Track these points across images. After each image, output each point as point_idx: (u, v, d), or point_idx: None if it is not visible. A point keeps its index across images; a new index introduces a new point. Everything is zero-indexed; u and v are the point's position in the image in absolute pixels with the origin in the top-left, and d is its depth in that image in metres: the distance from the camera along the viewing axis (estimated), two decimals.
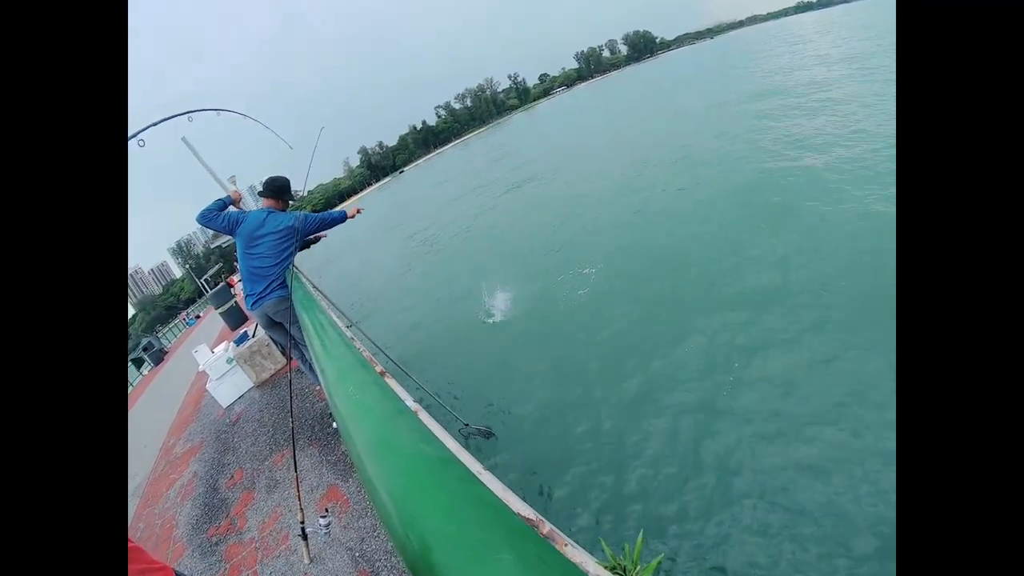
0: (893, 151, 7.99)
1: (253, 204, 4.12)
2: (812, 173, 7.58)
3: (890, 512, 2.57)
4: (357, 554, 2.37)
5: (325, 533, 2.37)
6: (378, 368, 3.98)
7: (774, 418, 3.40)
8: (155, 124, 4.34)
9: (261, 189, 3.51)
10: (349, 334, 4.96)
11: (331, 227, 3.55)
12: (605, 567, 1.89)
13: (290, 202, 3.57)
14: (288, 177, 3.54)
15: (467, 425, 4.39)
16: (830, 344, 3.90)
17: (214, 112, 5.13)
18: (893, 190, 7.59)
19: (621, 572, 1.89)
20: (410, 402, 3.20)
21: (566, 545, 1.93)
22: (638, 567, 1.92)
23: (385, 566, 2.23)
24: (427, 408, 4.85)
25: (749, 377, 3.92)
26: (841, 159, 7.72)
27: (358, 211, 3.78)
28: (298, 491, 2.29)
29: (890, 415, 3.08)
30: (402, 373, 5.27)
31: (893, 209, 6.65)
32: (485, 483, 2.13)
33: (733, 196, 7.96)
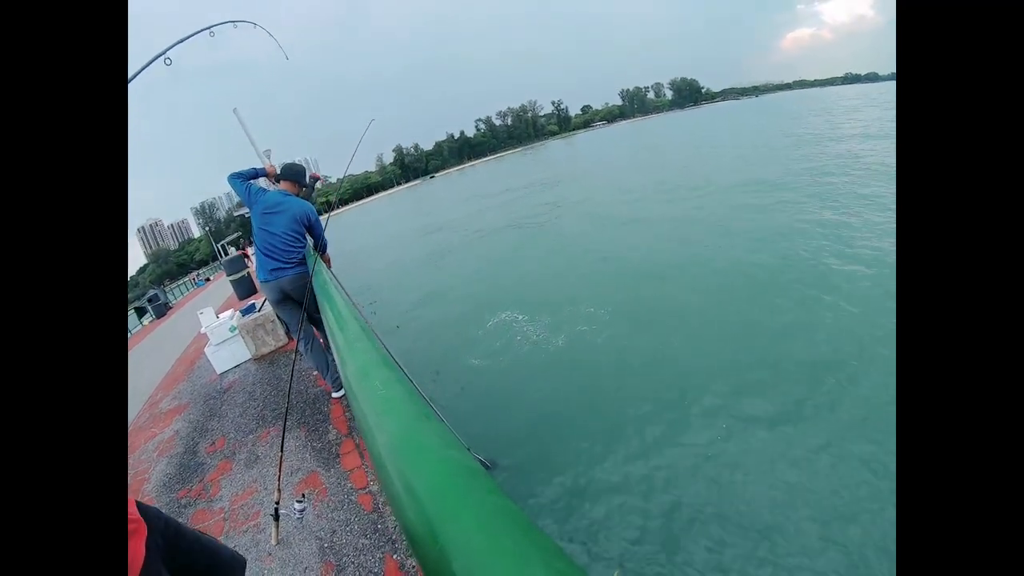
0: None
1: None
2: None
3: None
4: (326, 545, 2.33)
5: (298, 518, 2.33)
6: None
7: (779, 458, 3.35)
8: (180, 41, 4.38)
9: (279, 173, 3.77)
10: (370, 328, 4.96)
11: (321, 245, 3.73)
12: None
13: (304, 188, 3.81)
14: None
15: (468, 450, 4.27)
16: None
17: (231, 24, 5.20)
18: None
19: None
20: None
21: None
22: None
23: (352, 562, 2.19)
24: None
25: (758, 415, 3.86)
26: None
27: (329, 261, 3.95)
28: (279, 472, 2.27)
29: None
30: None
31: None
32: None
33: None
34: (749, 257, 7.93)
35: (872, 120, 25.86)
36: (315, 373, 4.40)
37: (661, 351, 5.48)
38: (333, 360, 3.40)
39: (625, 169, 27.21)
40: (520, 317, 7.47)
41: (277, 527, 1.92)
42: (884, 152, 15.09)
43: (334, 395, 3.88)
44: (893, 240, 10.31)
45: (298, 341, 2.91)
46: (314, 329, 3.77)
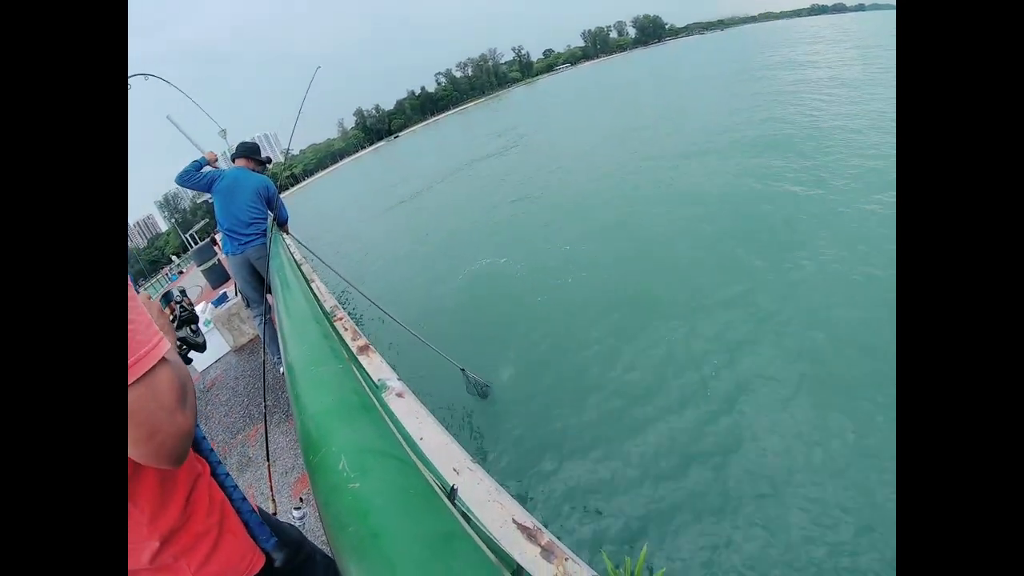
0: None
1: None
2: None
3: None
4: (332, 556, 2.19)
5: (300, 526, 2.18)
6: (360, 342, 3.79)
7: (794, 426, 3.23)
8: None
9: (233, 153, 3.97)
10: (332, 303, 4.75)
11: (282, 219, 3.90)
12: None
13: (266, 165, 4.00)
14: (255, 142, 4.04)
15: (464, 371, 4.19)
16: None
17: (142, 77, 4.93)
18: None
19: None
20: (394, 381, 3.02)
21: (566, 559, 1.77)
22: None
23: None
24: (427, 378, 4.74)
25: (770, 375, 3.72)
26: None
27: (288, 230, 4.18)
28: (270, 480, 2.10)
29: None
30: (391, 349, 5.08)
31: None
32: (476, 480, 1.93)
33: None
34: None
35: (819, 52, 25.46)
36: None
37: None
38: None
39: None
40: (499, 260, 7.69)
41: None
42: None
43: (281, 370, 3.75)
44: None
45: (255, 316, 2.89)
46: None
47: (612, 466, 3.28)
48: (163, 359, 0.66)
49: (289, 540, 1.06)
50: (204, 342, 1.28)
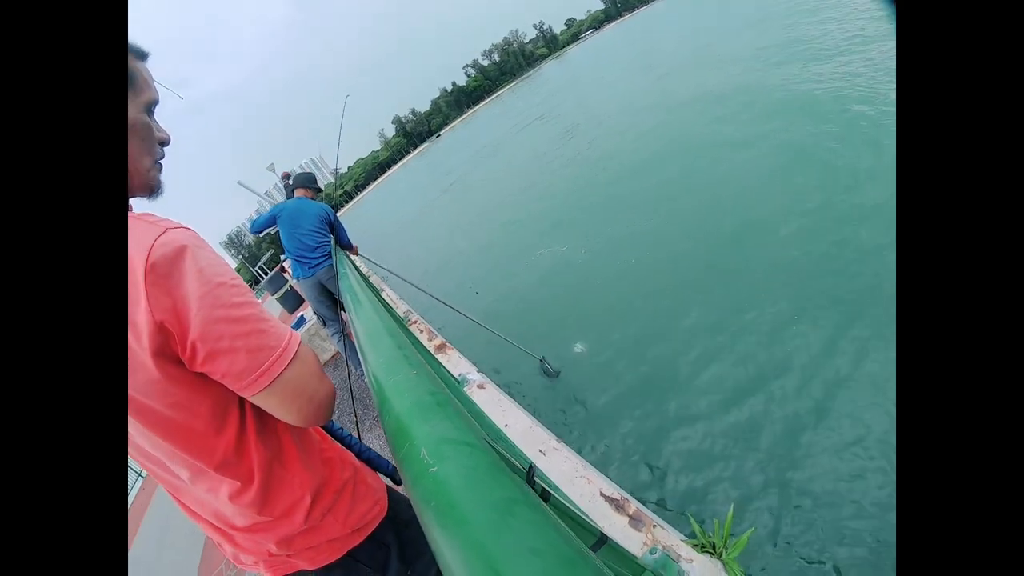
0: None
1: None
2: None
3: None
4: None
5: None
6: (436, 341, 4.01)
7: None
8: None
9: (291, 183, 4.36)
10: (405, 308, 5.00)
11: (345, 242, 4.16)
12: (694, 545, 1.79)
13: (320, 192, 4.30)
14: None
15: (542, 360, 4.61)
16: None
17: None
18: None
19: (711, 550, 1.79)
20: (474, 374, 3.18)
21: (654, 526, 1.84)
22: (727, 543, 1.81)
23: None
24: (500, 373, 4.92)
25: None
26: None
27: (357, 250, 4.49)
28: None
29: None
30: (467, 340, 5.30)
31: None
32: (562, 459, 2.02)
33: None
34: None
35: None
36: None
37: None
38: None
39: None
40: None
41: None
42: None
43: (364, 381, 3.99)
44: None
45: (333, 334, 3.10)
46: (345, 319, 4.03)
47: (694, 437, 3.27)
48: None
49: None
50: None
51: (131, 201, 0.81)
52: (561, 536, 0.39)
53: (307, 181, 4.20)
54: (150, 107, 0.80)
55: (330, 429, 1.21)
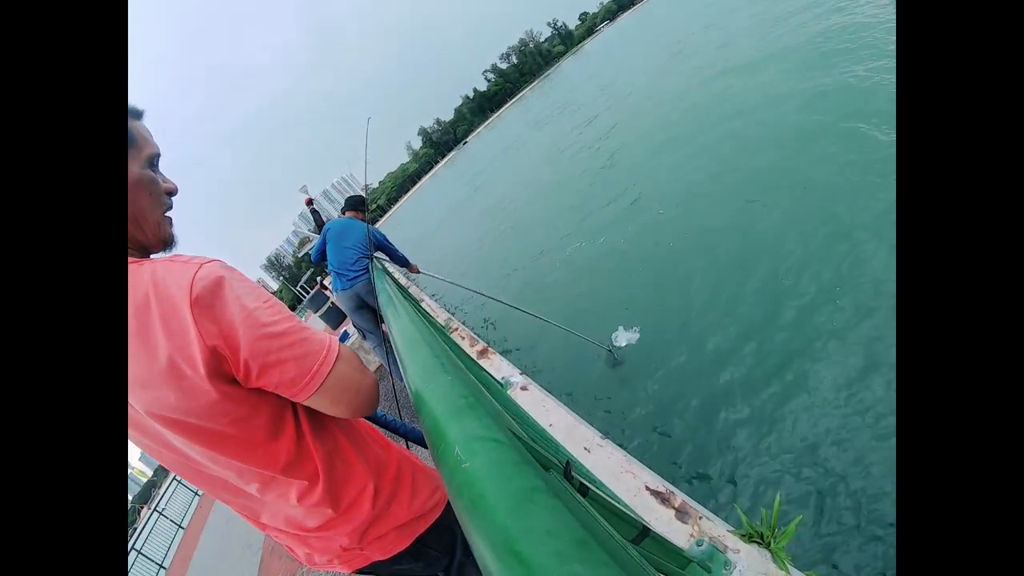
0: None
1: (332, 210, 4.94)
2: None
3: None
4: None
5: None
6: (478, 347, 4.07)
7: None
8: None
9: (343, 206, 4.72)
10: (445, 316, 5.12)
11: (400, 259, 4.58)
12: (741, 536, 1.78)
13: (368, 213, 4.66)
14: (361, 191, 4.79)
15: (610, 352, 4.80)
16: None
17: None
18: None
19: (759, 539, 1.77)
20: (516, 377, 3.22)
21: (701, 518, 1.84)
22: (776, 532, 1.78)
23: None
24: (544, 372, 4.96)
25: None
26: None
27: (418, 268, 4.92)
28: None
29: None
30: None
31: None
32: (607, 455, 2.03)
33: None
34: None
35: None
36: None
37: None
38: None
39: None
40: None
41: None
42: None
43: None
44: None
45: (375, 346, 3.23)
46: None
47: (745, 431, 3.21)
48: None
49: None
50: None
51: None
52: (579, 520, 0.43)
53: (356, 204, 4.61)
54: (152, 161, 0.85)
55: (374, 418, 1.29)
